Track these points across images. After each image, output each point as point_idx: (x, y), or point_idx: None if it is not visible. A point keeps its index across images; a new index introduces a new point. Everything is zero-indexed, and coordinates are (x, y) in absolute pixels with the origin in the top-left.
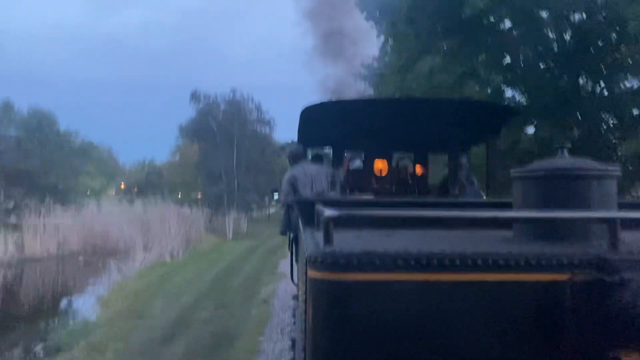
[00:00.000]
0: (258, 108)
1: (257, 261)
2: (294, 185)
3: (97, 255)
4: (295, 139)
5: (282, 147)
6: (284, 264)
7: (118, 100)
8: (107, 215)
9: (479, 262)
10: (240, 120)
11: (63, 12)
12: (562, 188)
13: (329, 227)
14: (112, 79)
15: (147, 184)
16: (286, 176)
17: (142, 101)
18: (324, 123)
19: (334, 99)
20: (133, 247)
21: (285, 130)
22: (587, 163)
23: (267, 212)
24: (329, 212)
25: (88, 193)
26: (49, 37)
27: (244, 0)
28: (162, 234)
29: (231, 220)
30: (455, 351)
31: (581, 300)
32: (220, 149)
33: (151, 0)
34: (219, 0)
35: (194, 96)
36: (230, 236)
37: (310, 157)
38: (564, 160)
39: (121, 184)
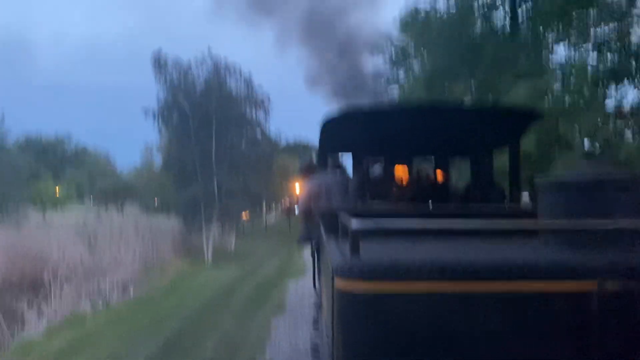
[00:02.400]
0: (248, 83)
1: (239, 317)
2: (312, 197)
3: (12, 292)
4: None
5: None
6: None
7: (121, 106)
8: (55, 230)
9: (508, 271)
10: (222, 98)
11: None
12: (589, 197)
13: (357, 238)
14: (116, 85)
15: (118, 190)
16: (304, 188)
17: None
18: (344, 130)
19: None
20: (68, 275)
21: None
22: (614, 172)
23: (264, 223)
24: (356, 224)
25: (40, 202)
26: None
27: None
28: (115, 256)
29: (211, 236)
30: (483, 358)
31: (610, 309)
32: (196, 139)
33: (145, 3)
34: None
35: (158, 62)
36: (210, 259)
37: (329, 165)
38: (592, 169)
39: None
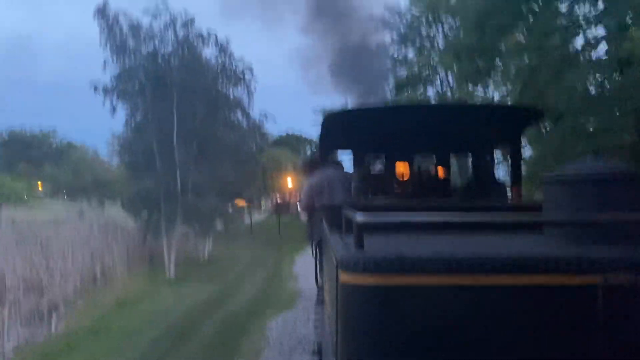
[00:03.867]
0: (223, 49)
1: None
2: (313, 194)
3: None
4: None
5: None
6: None
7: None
8: None
9: (512, 265)
10: (187, 67)
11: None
12: (594, 191)
13: (361, 231)
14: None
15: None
16: (305, 185)
17: None
18: (346, 128)
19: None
20: None
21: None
22: (618, 166)
23: (250, 223)
24: (361, 218)
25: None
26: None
27: None
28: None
29: (174, 241)
30: (488, 354)
31: (614, 304)
32: (153, 118)
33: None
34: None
35: (102, 12)
36: (172, 272)
37: (329, 163)
38: (596, 163)
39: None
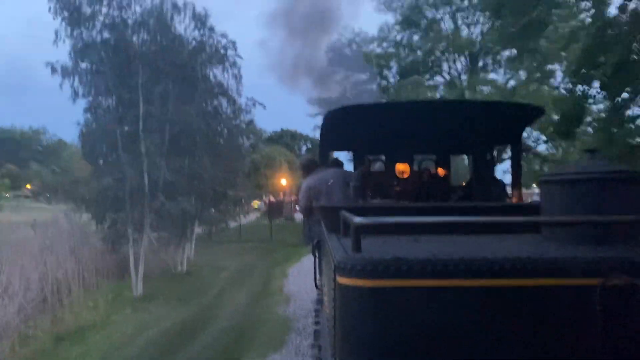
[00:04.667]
0: (200, 19)
1: None
2: (311, 195)
3: None
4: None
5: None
6: None
7: None
8: None
9: (510, 268)
10: (156, 38)
11: None
12: (592, 192)
13: (358, 234)
14: None
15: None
16: (302, 186)
17: None
18: (346, 127)
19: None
20: None
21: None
22: (616, 167)
23: (238, 225)
24: (358, 220)
25: None
26: None
27: None
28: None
29: (142, 250)
30: (485, 356)
31: (613, 305)
32: (117, 102)
33: None
34: None
35: None
36: (139, 288)
37: (329, 162)
38: (594, 163)
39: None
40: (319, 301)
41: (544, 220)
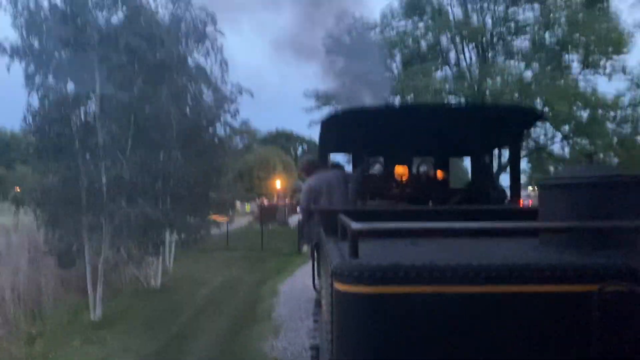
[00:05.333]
0: None
1: None
2: (311, 196)
3: None
4: None
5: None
6: None
7: None
8: None
9: (508, 274)
10: (115, 6)
11: None
12: (590, 197)
13: (356, 239)
14: None
15: None
16: (303, 187)
17: None
18: (345, 130)
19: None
20: None
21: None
22: (614, 171)
23: (225, 230)
24: (356, 225)
25: None
26: None
27: None
28: None
29: (100, 268)
30: None
31: (611, 312)
32: (74, 84)
33: None
34: None
35: None
36: (99, 312)
37: (329, 164)
38: (592, 168)
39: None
40: (318, 302)
41: (541, 226)
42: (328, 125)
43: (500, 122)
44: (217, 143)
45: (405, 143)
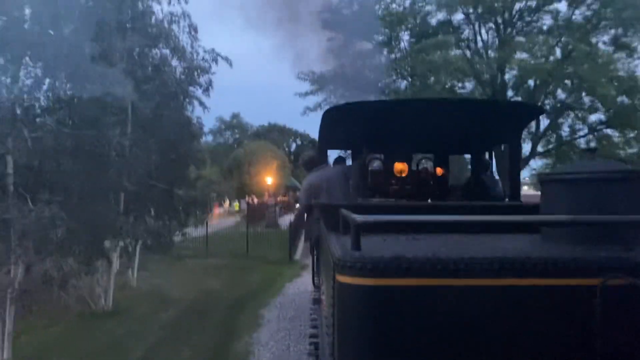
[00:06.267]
0: None
1: None
2: (312, 192)
3: None
4: None
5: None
6: None
7: None
8: None
9: (510, 267)
10: None
11: None
12: (592, 192)
13: (358, 232)
14: None
15: None
16: (303, 184)
17: None
18: (345, 125)
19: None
20: None
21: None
22: (617, 166)
23: (204, 232)
24: (359, 218)
25: None
26: None
27: None
28: None
29: (17, 284)
30: (485, 355)
31: (613, 305)
32: None
33: None
34: None
35: None
36: (7, 355)
37: (333, 160)
38: (594, 163)
39: None
40: (316, 301)
41: (543, 220)
42: (327, 120)
43: (500, 118)
44: (184, 124)
45: (405, 139)
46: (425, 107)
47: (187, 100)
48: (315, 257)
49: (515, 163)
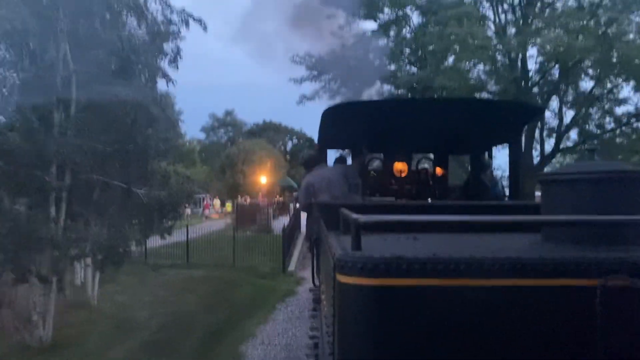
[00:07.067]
0: None
1: None
2: (311, 191)
3: None
4: None
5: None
6: None
7: None
8: None
9: (510, 268)
10: None
11: None
12: (592, 192)
13: (359, 231)
14: None
15: None
16: (302, 184)
17: None
18: (344, 124)
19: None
20: None
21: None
22: (617, 166)
23: (185, 232)
24: (360, 218)
25: None
26: None
27: None
28: None
29: None
30: (485, 355)
31: (613, 306)
32: None
33: None
34: None
35: None
36: None
37: (334, 159)
38: (594, 163)
39: None
40: (317, 300)
41: (543, 220)
42: (327, 119)
43: (500, 118)
44: (143, 105)
45: (405, 139)
46: (425, 106)
47: (148, 72)
48: (315, 256)
49: (516, 163)
